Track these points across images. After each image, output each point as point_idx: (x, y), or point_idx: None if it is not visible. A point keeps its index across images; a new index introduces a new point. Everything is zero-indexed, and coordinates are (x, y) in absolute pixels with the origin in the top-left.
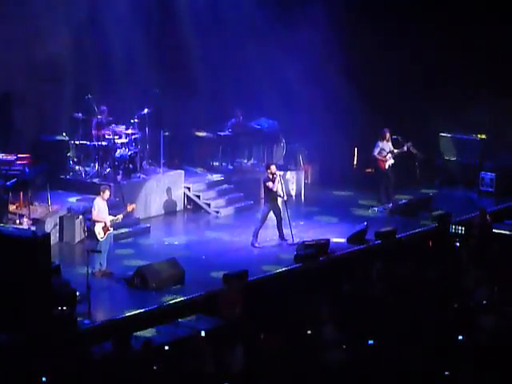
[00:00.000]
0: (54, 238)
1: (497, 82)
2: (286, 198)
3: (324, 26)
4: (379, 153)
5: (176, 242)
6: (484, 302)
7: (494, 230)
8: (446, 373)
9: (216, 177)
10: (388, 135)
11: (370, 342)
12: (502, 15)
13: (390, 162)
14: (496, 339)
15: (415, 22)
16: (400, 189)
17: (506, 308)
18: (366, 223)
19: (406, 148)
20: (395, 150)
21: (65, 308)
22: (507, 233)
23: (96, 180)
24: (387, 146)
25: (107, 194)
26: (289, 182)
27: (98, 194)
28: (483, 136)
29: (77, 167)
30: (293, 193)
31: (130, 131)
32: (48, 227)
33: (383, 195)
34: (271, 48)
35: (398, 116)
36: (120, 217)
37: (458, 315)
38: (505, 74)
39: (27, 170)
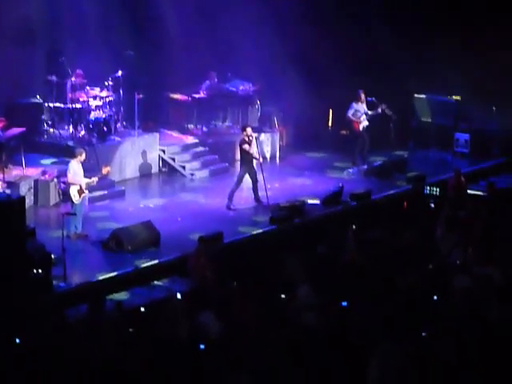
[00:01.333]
0: (29, 201)
1: (471, 43)
2: (261, 160)
3: None
4: (353, 114)
5: (151, 205)
6: (458, 262)
7: (468, 191)
8: (423, 333)
9: (191, 139)
10: (363, 97)
11: (344, 303)
12: None
13: (365, 123)
14: (470, 299)
15: None
16: (374, 150)
17: (479, 268)
18: (340, 185)
19: (380, 110)
20: (369, 112)
21: (40, 271)
22: (482, 194)
23: (71, 143)
24: (362, 107)
25: (82, 156)
26: (264, 145)
27: (73, 156)
28: (458, 97)
29: (51, 130)
30: (268, 155)
31: (104, 94)
32: (23, 190)
33: (358, 157)
34: (245, 10)
35: (373, 77)
36: (95, 179)
37: (433, 276)
38: (478, 35)
39: (1, 132)
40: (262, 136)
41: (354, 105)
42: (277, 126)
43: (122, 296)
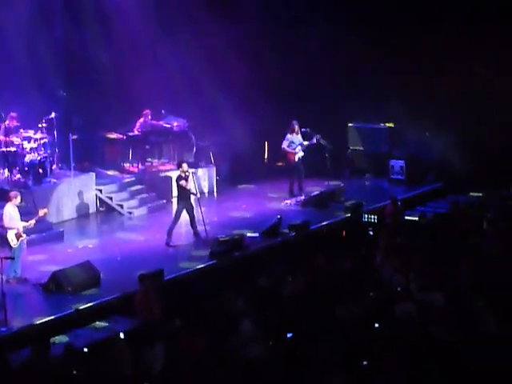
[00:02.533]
0: None
1: (405, 71)
2: (198, 195)
3: (229, 20)
4: (289, 145)
5: (90, 245)
6: (399, 289)
7: (406, 217)
8: (365, 362)
9: (127, 178)
10: (297, 127)
11: (289, 334)
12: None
13: (300, 154)
14: (412, 325)
15: (325, 10)
16: (311, 180)
17: (420, 294)
18: (279, 216)
19: (315, 140)
20: (305, 143)
21: None
22: (417, 219)
23: (6, 186)
24: (296, 138)
25: (18, 199)
26: (201, 180)
27: (8, 200)
28: (391, 124)
29: None
30: (205, 190)
31: (38, 135)
32: None
33: (295, 187)
34: (176, 46)
35: (306, 107)
36: (32, 222)
37: (375, 304)
38: (412, 60)
39: None
40: (199, 171)
41: (289, 136)
42: (212, 161)
43: (63, 338)
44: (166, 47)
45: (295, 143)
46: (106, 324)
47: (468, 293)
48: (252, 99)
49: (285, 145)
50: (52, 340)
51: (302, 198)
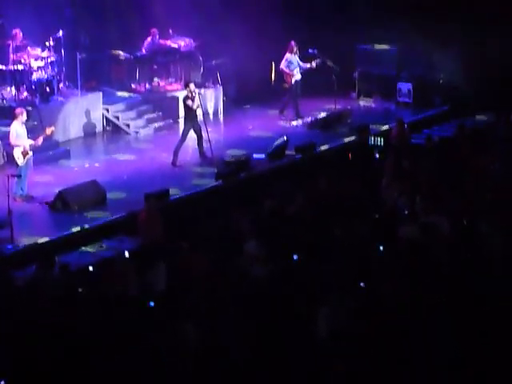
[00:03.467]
0: None
1: None
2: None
3: None
4: (287, 66)
5: (97, 164)
6: (405, 212)
7: (412, 140)
8: (361, 284)
9: (134, 97)
10: (295, 48)
11: (295, 257)
12: None
13: (298, 77)
14: (416, 248)
15: None
16: (317, 102)
17: (425, 217)
18: (285, 138)
19: (314, 64)
20: (302, 64)
21: None
22: (423, 143)
23: (13, 104)
24: (295, 59)
25: (23, 116)
26: (207, 100)
27: (15, 117)
28: (399, 46)
29: None
30: (211, 110)
31: (45, 54)
32: None
33: (288, 109)
34: None
35: (314, 28)
36: (39, 140)
37: (379, 225)
38: None
39: None
40: (206, 92)
41: (288, 56)
42: (219, 82)
43: (69, 256)
44: None
45: (293, 64)
46: (112, 242)
47: (473, 216)
48: (260, 20)
49: (283, 65)
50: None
51: (308, 119)
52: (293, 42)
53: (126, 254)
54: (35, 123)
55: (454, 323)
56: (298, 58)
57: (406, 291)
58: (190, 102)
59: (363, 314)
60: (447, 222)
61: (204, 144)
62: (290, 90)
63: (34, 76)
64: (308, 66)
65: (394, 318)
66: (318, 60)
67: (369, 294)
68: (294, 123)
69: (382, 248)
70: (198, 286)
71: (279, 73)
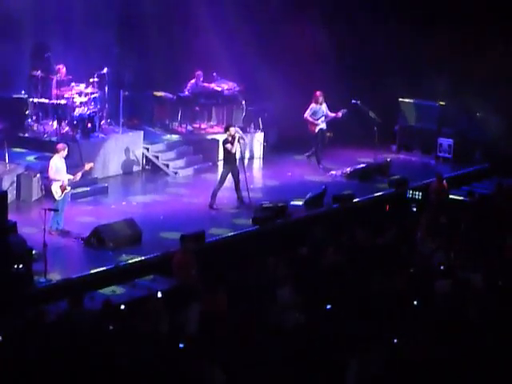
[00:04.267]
0: (11, 196)
1: (457, 50)
2: (244, 160)
3: None
4: (311, 115)
5: (134, 202)
6: (441, 267)
7: (450, 196)
8: (395, 340)
9: (175, 138)
10: (321, 98)
11: (328, 306)
12: None
13: (322, 126)
14: (452, 304)
15: None
16: (358, 153)
17: (461, 273)
18: (324, 187)
19: (340, 114)
20: (328, 113)
21: (21, 266)
22: (463, 199)
23: (54, 139)
24: (320, 108)
25: (65, 152)
26: (248, 145)
27: (56, 152)
28: (442, 102)
29: (35, 125)
30: (252, 155)
31: (89, 90)
32: (5, 185)
33: (316, 157)
34: (229, 8)
35: (358, 81)
36: (78, 176)
37: (414, 280)
38: (465, 40)
39: None
40: (247, 136)
41: (313, 106)
42: (261, 127)
43: (102, 293)
44: (223, 9)
45: (318, 114)
46: (145, 282)
47: (509, 276)
48: (305, 68)
49: (307, 114)
50: (90, 294)
51: (321, 167)
52: (318, 92)
53: (159, 294)
54: (75, 159)
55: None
56: (324, 108)
57: (439, 346)
58: (229, 146)
59: (394, 367)
60: (482, 279)
61: (242, 188)
62: (316, 138)
63: (77, 111)
64: (333, 115)
65: (425, 373)
66: (343, 110)
67: (401, 348)
68: (333, 172)
69: (416, 302)
70: (227, 330)
71: (328, 122)
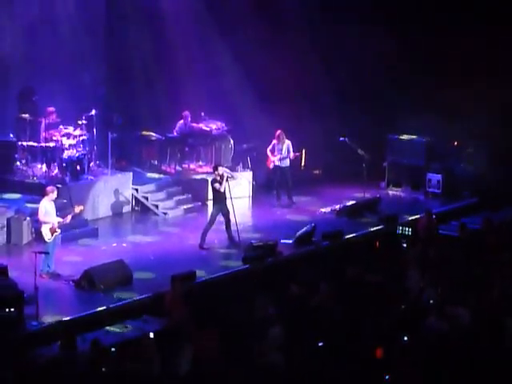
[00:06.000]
0: (2, 240)
1: (444, 84)
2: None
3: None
4: (271, 150)
5: (124, 244)
6: (431, 301)
7: (440, 231)
8: (387, 377)
9: (164, 178)
10: (281, 136)
11: (320, 343)
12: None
13: (277, 163)
14: (443, 340)
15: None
16: (347, 190)
17: (450, 308)
18: (313, 224)
19: (293, 156)
20: (285, 153)
21: (12, 309)
22: (452, 234)
23: (43, 181)
24: (279, 146)
25: (54, 194)
26: (237, 184)
27: (45, 194)
28: (429, 138)
29: (24, 168)
30: (241, 194)
31: (77, 132)
32: None
33: (276, 193)
34: (217, 47)
35: (346, 115)
36: (67, 218)
37: (405, 316)
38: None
39: None
40: (236, 175)
41: (274, 142)
42: (249, 166)
43: (93, 336)
44: (210, 49)
45: (275, 151)
46: (136, 324)
47: (498, 311)
48: (291, 107)
49: (268, 149)
50: (83, 336)
51: (276, 203)
52: (278, 131)
53: (151, 335)
54: (64, 201)
55: None
56: (285, 146)
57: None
58: (217, 185)
59: None
60: (469, 315)
61: (232, 227)
62: (272, 174)
63: (65, 154)
64: (289, 155)
65: None
66: (297, 153)
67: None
68: (323, 210)
69: (406, 338)
70: (217, 371)
71: (316, 160)
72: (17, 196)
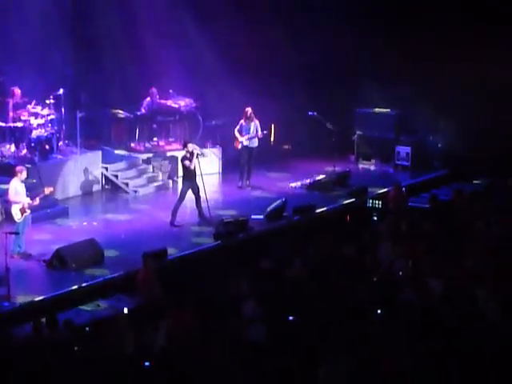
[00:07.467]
0: None
1: (415, 57)
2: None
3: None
4: (238, 130)
5: (95, 223)
6: (400, 273)
7: (410, 204)
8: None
9: (133, 156)
10: (249, 115)
11: (290, 317)
12: None
13: (246, 143)
14: (415, 312)
15: None
16: (317, 164)
17: (422, 280)
18: (284, 199)
19: (260, 134)
20: (253, 133)
21: None
22: (422, 206)
23: (12, 161)
24: (247, 125)
25: (24, 174)
26: (206, 160)
27: (14, 175)
28: (398, 110)
29: None
30: (211, 170)
31: (45, 112)
32: None
33: (240, 174)
34: (183, 24)
35: (316, 92)
36: (37, 200)
37: (377, 288)
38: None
39: None
40: (205, 152)
41: (241, 122)
42: (219, 142)
43: (66, 315)
44: (176, 24)
45: (243, 131)
46: (109, 302)
47: (469, 281)
48: (261, 82)
49: (236, 129)
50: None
51: (240, 184)
52: (247, 109)
53: (126, 310)
54: (34, 181)
55: None
56: (253, 125)
57: (404, 354)
58: (187, 163)
59: (362, 378)
60: (442, 285)
61: (202, 204)
62: (239, 154)
63: (34, 134)
64: (258, 135)
65: (392, 382)
66: (265, 132)
67: (367, 357)
68: (293, 185)
69: (379, 311)
70: (193, 348)
71: (286, 135)
72: None
